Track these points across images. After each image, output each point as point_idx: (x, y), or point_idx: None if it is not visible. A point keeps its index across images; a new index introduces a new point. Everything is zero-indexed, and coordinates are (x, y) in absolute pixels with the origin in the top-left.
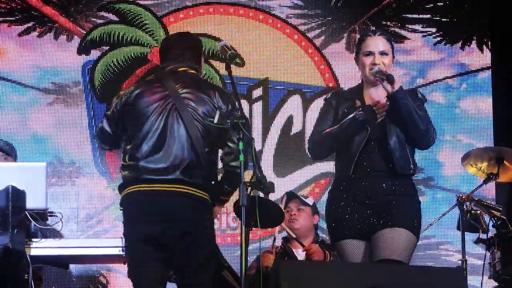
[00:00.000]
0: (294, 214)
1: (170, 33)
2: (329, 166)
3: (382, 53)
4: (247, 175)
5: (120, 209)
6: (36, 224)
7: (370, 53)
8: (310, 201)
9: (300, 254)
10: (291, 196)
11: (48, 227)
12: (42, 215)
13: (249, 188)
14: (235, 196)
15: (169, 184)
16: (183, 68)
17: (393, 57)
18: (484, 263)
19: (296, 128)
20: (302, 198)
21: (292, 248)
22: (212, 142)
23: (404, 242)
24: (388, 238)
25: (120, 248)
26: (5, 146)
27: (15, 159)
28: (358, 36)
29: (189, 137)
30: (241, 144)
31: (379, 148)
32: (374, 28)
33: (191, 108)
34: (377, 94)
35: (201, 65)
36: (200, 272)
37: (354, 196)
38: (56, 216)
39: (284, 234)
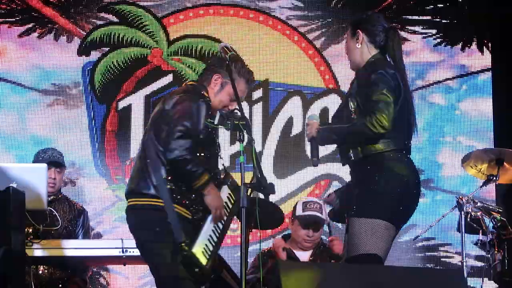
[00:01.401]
0: (312, 236)
1: (170, 34)
2: (329, 168)
3: None
4: (248, 176)
5: None
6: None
7: None
8: (325, 212)
9: (301, 255)
10: (309, 221)
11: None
12: (42, 215)
13: (249, 189)
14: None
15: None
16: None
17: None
18: (484, 265)
19: (296, 129)
20: (320, 216)
21: (293, 249)
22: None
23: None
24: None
25: (120, 249)
26: (59, 158)
27: (65, 167)
28: None
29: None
30: (241, 146)
31: None
32: None
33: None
34: None
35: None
36: None
37: None
38: (57, 216)
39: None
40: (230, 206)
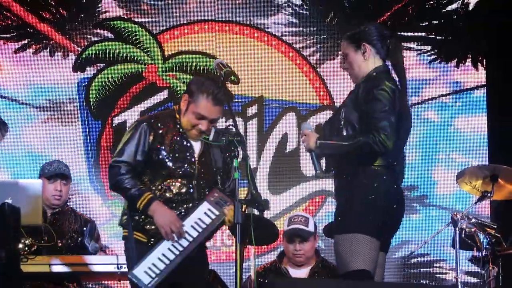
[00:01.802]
0: (299, 250)
1: (165, 50)
2: (324, 184)
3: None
4: (242, 192)
5: None
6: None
7: None
8: (311, 225)
9: (296, 273)
10: (292, 234)
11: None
12: (37, 231)
13: (244, 206)
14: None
15: None
16: None
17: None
18: (478, 281)
19: (291, 145)
20: (304, 228)
21: (288, 267)
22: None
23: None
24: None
25: (115, 265)
26: (66, 170)
27: (71, 179)
28: None
29: None
30: (236, 162)
31: None
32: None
33: None
34: None
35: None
36: None
37: None
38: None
39: (278, 251)
40: (209, 221)
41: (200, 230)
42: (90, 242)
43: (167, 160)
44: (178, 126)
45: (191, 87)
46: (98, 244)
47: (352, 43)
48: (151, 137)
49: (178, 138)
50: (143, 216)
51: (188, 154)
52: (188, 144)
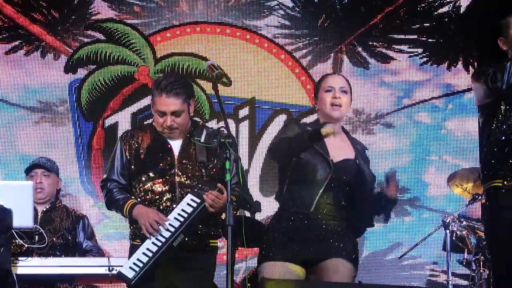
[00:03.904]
0: None
1: (157, 52)
2: None
3: (342, 90)
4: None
5: None
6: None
7: (331, 89)
8: None
9: None
10: None
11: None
12: (28, 233)
13: (236, 208)
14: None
15: None
16: None
17: (351, 94)
18: (469, 283)
19: None
20: None
21: None
22: None
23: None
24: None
25: (107, 267)
26: (46, 163)
27: (57, 175)
28: (345, 56)
29: None
30: (227, 163)
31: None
32: (359, 50)
33: None
34: (331, 143)
35: None
36: None
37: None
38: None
39: None
40: (191, 210)
41: (182, 220)
42: (84, 240)
43: (144, 165)
44: (155, 130)
45: (152, 90)
46: (93, 240)
47: (350, 88)
48: (127, 148)
49: (154, 143)
50: (134, 224)
51: (166, 155)
52: (167, 146)
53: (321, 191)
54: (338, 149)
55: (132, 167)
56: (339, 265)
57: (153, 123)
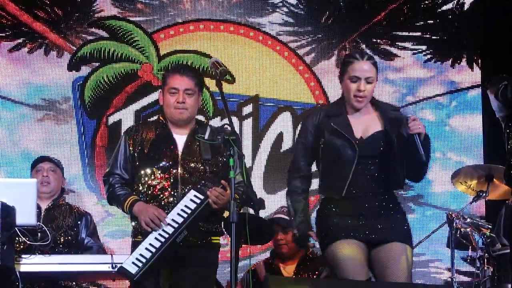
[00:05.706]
0: (281, 239)
1: (161, 49)
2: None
3: (368, 81)
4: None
5: None
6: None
7: (356, 80)
8: None
9: (287, 271)
10: (272, 223)
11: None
12: (32, 231)
13: (239, 205)
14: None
15: None
16: None
17: (376, 80)
18: (473, 281)
19: (286, 144)
20: (284, 217)
21: (279, 264)
22: None
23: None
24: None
25: (110, 265)
26: (53, 158)
27: (62, 173)
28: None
29: None
30: (231, 161)
31: (373, 167)
32: (363, 47)
33: None
34: (356, 121)
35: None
36: None
37: (347, 212)
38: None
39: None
40: (194, 206)
41: (185, 216)
42: (86, 237)
43: (148, 160)
44: (161, 126)
45: (162, 79)
46: (95, 238)
47: (376, 71)
48: (131, 142)
49: (159, 137)
50: (136, 221)
51: (170, 149)
52: (172, 140)
53: (351, 174)
54: (365, 125)
55: (136, 161)
56: (401, 252)
57: (160, 119)
